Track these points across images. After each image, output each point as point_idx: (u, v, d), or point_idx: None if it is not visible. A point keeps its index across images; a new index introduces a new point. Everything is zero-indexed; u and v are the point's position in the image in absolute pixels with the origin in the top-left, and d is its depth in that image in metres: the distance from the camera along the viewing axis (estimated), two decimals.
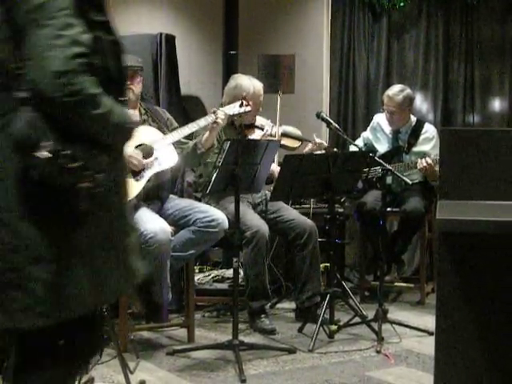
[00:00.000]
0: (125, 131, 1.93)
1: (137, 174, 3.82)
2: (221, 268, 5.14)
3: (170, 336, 4.11)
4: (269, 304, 4.46)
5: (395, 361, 3.64)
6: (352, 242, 5.61)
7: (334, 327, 4.04)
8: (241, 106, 4.14)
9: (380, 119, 5.18)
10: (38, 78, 1.72)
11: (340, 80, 6.17)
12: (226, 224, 3.93)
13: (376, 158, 4.37)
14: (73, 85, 1.71)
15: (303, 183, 4.00)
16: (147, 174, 3.84)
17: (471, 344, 2.14)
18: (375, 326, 3.94)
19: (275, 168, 4.50)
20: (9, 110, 1.79)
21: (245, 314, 4.26)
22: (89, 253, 1.84)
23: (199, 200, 4.44)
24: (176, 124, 4.17)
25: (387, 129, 5.13)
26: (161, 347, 3.88)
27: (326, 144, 4.77)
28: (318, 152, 4.57)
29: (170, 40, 5.69)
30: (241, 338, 3.66)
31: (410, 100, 5.05)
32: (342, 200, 5.10)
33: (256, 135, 4.62)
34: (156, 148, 3.88)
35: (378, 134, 5.18)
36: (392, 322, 4.06)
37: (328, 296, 4.04)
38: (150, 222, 3.70)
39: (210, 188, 3.69)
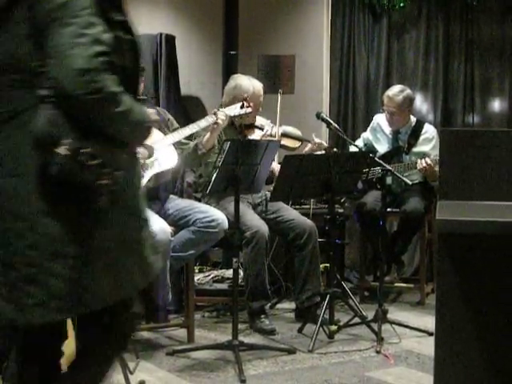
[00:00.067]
0: (143, 129, 1.95)
1: None
2: (221, 268, 5.13)
3: (169, 336, 4.11)
4: (269, 304, 4.46)
5: (395, 361, 3.64)
6: (352, 242, 5.62)
7: (333, 327, 4.04)
8: (242, 107, 4.14)
9: (380, 120, 5.18)
10: (60, 75, 1.73)
11: (340, 80, 6.17)
12: (225, 224, 3.93)
13: (376, 158, 4.36)
14: (95, 82, 1.73)
15: (303, 183, 4.00)
16: (147, 175, 3.84)
17: (471, 344, 2.14)
18: (375, 326, 3.94)
19: (276, 166, 4.50)
20: (29, 107, 1.80)
21: (245, 314, 4.26)
22: (107, 248, 1.86)
23: (199, 200, 4.44)
24: (177, 124, 4.16)
25: (387, 129, 5.13)
26: (161, 347, 3.88)
27: (325, 144, 4.77)
28: (318, 152, 4.57)
29: (170, 40, 5.69)
30: (240, 338, 3.66)
31: (409, 100, 5.04)
32: (342, 200, 5.10)
33: (256, 135, 4.62)
34: (156, 148, 3.88)
35: (377, 134, 5.18)
36: (392, 323, 4.05)
37: (328, 296, 4.04)
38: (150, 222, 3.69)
39: (210, 188, 3.69)
